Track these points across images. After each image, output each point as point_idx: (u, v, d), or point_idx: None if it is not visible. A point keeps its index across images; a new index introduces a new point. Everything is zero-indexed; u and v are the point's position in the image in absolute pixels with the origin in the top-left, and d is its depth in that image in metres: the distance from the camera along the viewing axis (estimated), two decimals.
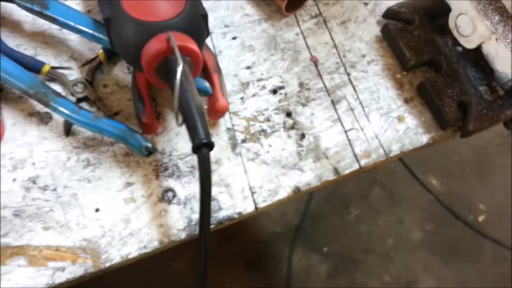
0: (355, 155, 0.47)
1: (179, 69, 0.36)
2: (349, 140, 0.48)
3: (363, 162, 0.47)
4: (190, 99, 0.37)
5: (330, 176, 0.46)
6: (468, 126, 0.47)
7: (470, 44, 0.46)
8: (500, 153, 1.76)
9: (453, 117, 0.47)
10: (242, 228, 1.52)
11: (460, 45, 0.49)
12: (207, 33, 0.43)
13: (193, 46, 0.39)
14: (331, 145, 0.48)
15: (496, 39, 0.44)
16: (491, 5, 0.45)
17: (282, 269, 1.47)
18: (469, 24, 0.45)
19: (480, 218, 1.66)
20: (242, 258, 1.47)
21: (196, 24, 0.41)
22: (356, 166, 0.47)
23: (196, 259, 0.40)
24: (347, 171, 0.47)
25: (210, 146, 0.37)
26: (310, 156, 0.47)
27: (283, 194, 0.46)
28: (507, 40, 0.43)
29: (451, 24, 0.48)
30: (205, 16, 0.43)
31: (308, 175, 0.46)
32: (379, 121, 0.49)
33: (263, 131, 0.48)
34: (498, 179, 1.70)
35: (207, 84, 0.46)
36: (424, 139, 0.49)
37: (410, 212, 1.63)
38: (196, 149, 0.37)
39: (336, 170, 0.47)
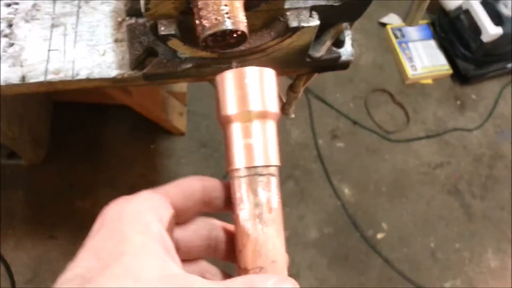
0: (46, 70, 0.55)
1: None
2: (48, 57, 0.56)
3: (49, 77, 0.55)
4: None
5: (16, 80, 0.54)
6: (145, 68, 0.54)
7: None
8: (421, 182, 1.78)
9: (135, 60, 0.54)
10: None
11: None
12: None
13: None
14: (30, 57, 0.56)
15: None
16: None
17: None
18: None
19: (379, 236, 1.69)
20: None
21: None
22: (41, 78, 0.55)
23: None
24: (32, 80, 0.54)
25: None
26: (9, 61, 0.55)
27: None
28: None
29: None
30: None
31: None
32: (83, 50, 0.57)
33: None
34: (409, 206, 1.73)
35: None
36: (113, 73, 0.56)
37: (314, 212, 1.69)
38: None
39: (23, 78, 0.54)
